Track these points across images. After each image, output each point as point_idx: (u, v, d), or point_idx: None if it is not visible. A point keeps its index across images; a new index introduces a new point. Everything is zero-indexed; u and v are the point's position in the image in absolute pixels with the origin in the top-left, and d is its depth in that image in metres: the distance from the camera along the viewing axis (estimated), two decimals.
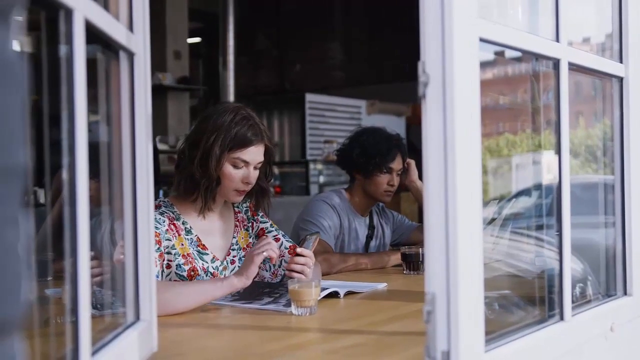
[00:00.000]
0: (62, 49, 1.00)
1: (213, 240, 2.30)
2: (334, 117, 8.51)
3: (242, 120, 2.20)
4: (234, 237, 2.37)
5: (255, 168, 2.25)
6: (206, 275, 2.22)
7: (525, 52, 1.55)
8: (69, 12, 0.99)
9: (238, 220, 2.40)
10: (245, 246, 2.38)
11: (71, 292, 1.00)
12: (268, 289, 2.18)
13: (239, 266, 2.31)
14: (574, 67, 1.60)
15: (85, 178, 1.01)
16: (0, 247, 0.56)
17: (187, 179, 2.22)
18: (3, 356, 0.59)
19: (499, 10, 1.68)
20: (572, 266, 1.59)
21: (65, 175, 1.00)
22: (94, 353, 1.07)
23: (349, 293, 2.22)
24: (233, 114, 2.20)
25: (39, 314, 1.26)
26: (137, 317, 1.38)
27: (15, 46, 0.62)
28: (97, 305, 1.35)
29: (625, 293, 1.85)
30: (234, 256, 2.34)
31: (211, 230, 2.31)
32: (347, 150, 3.12)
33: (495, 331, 1.35)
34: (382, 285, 2.40)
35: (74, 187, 1.00)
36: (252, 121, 2.22)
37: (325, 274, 2.71)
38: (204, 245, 2.26)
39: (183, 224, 2.24)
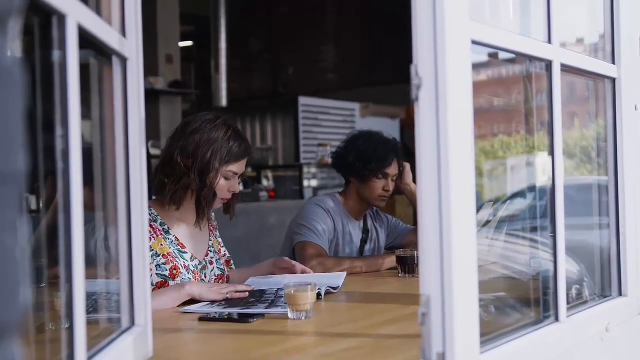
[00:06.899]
0: (55, 54, 1.00)
1: (191, 242, 2.40)
2: (327, 120, 8.50)
3: (236, 135, 2.34)
4: (210, 240, 2.49)
5: (239, 177, 2.39)
6: (188, 273, 2.31)
7: (517, 54, 1.55)
8: (62, 18, 0.98)
9: (212, 226, 2.53)
10: (217, 250, 2.50)
11: (67, 298, 0.99)
12: (256, 296, 2.15)
13: (217, 267, 2.46)
14: (567, 69, 1.61)
15: (80, 184, 1.00)
16: (0, 251, 0.56)
17: (182, 190, 2.30)
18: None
19: (491, 11, 1.68)
20: (568, 268, 1.59)
21: (59, 181, 0.99)
22: (89, 359, 1.07)
23: (329, 292, 2.24)
24: (225, 128, 2.32)
25: (32, 320, 1.25)
26: (132, 323, 1.37)
27: (13, 52, 0.62)
28: (89, 310, 1.34)
29: (620, 294, 1.85)
30: (211, 257, 2.46)
31: (189, 233, 2.40)
32: (343, 154, 3.11)
33: (490, 333, 1.35)
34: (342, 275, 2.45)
35: (68, 194, 0.99)
36: (242, 135, 2.38)
37: None
38: (182, 244, 2.35)
39: (161, 225, 2.33)
